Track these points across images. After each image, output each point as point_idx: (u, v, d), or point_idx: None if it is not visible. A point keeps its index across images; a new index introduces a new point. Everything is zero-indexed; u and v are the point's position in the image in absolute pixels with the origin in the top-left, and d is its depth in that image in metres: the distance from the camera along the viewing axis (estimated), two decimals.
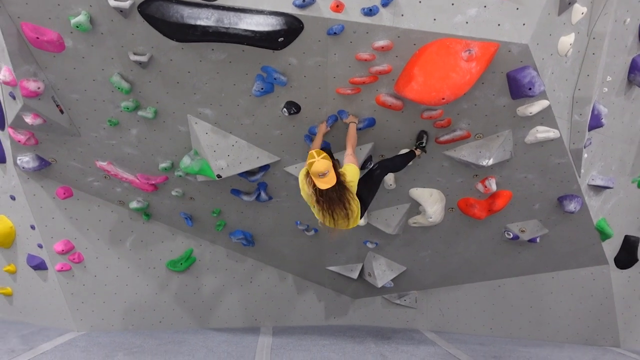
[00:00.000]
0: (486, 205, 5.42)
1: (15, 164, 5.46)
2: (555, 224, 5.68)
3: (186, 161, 5.01)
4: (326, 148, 4.83)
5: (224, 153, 4.95)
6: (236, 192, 5.57)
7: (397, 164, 4.81)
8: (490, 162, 4.80)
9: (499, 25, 3.92)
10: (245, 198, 5.56)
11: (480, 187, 5.24)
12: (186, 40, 4.07)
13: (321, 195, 3.99)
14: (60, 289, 6.05)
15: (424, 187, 5.42)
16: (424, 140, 4.81)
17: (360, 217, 4.39)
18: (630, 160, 5.77)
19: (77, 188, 5.78)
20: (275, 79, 4.37)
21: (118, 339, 5.84)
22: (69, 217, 5.86)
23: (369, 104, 4.58)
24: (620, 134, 5.49)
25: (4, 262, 6.34)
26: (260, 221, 5.98)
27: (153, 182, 5.52)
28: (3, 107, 5.04)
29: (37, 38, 4.14)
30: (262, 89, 4.46)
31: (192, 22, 3.88)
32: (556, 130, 4.65)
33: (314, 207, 4.17)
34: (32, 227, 5.88)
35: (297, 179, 4.57)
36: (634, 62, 5.12)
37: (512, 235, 5.75)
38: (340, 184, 3.98)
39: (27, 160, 5.35)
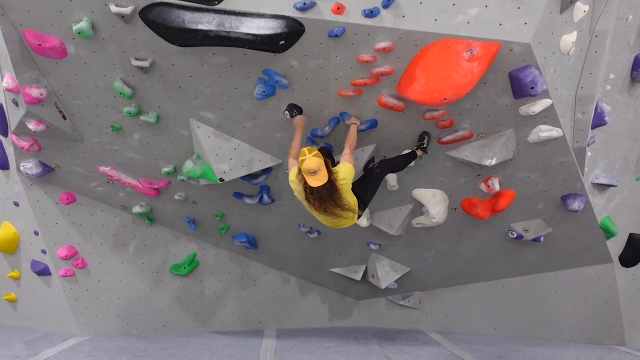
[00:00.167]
0: (490, 206, 5.41)
1: (18, 170, 5.47)
2: (559, 223, 5.67)
3: (189, 165, 5.01)
4: (325, 149, 4.83)
5: (227, 157, 4.96)
6: (239, 195, 5.57)
7: (399, 164, 4.81)
8: (494, 162, 4.79)
9: (500, 25, 3.91)
10: (248, 201, 5.56)
11: (483, 187, 5.23)
12: (188, 45, 4.07)
13: (311, 193, 3.98)
14: (65, 294, 6.05)
15: (427, 188, 5.41)
16: (426, 142, 4.81)
17: (359, 216, 4.40)
18: (634, 158, 5.76)
19: (80, 194, 5.79)
20: (277, 82, 4.37)
21: (122, 344, 5.84)
22: (73, 222, 5.87)
23: (371, 106, 4.57)
24: (624, 132, 5.48)
25: (8, 269, 6.35)
26: (264, 224, 5.98)
27: (156, 187, 5.52)
28: (6, 114, 5.05)
29: (40, 45, 4.15)
30: (264, 92, 4.46)
31: (194, 26, 3.88)
32: (559, 129, 4.63)
33: (305, 203, 4.16)
34: (36, 233, 5.89)
35: None
36: (637, 59, 5.11)
37: (516, 235, 5.74)
38: (332, 183, 3.96)
39: (30, 166, 5.36)
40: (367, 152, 4.98)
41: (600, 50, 4.58)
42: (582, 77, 4.67)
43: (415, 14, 3.92)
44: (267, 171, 5.22)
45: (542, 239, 5.80)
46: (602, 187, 5.51)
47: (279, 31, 3.93)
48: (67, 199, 5.75)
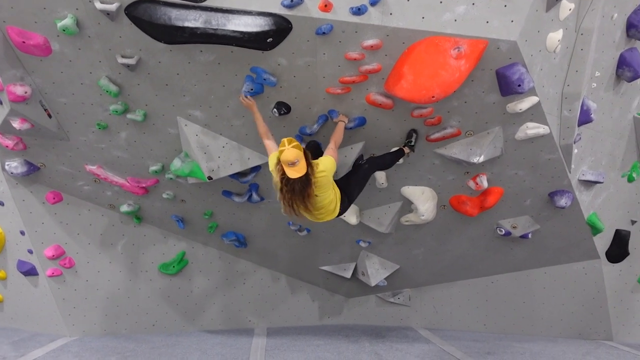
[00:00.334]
0: (478, 202, 5.44)
1: (3, 169, 5.41)
2: (546, 220, 5.71)
3: (177, 163, 4.98)
4: (314, 143, 4.81)
5: (215, 155, 4.93)
6: (228, 193, 5.55)
7: (386, 161, 4.82)
8: (481, 159, 4.81)
9: (487, 22, 3.93)
10: (237, 199, 5.54)
11: (471, 184, 5.25)
12: (174, 42, 4.04)
13: (286, 184, 3.97)
14: (52, 294, 6.00)
15: (416, 185, 5.42)
16: (413, 139, 4.82)
17: (343, 211, 4.43)
18: (620, 155, 5.81)
19: (66, 192, 5.73)
20: (264, 79, 4.36)
21: (111, 344, 5.80)
22: (59, 221, 5.82)
23: (359, 103, 4.57)
24: (609, 128, 5.53)
25: None
26: (253, 222, 5.96)
27: (143, 185, 5.49)
28: None
29: (23, 42, 4.10)
30: (252, 89, 4.44)
31: (180, 23, 3.86)
32: (546, 126, 4.67)
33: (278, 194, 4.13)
34: (22, 233, 5.83)
35: None
36: (622, 57, 5.15)
37: (504, 232, 5.78)
38: (307, 176, 3.94)
39: (15, 165, 5.30)
40: (356, 149, 4.98)
41: (586, 47, 4.62)
42: (568, 75, 4.71)
43: (402, 11, 3.92)
44: (255, 169, 5.20)
45: (529, 236, 5.84)
46: (588, 184, 5.55)
47: (266, 28, 3.91)
48: (53, 198, 5.70)
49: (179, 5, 3.85)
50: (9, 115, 4.66)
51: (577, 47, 4.63)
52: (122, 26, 4.01)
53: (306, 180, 3.94)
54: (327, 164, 4.12)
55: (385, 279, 6.44)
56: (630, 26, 5.03)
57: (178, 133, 4.91)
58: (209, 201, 5.71)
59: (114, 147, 5.12)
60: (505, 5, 3.91)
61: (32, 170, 5.38)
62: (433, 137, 4.85)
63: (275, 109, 4.60)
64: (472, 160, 4.83)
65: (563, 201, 5.34)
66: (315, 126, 4.76)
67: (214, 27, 3.88)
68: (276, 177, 4.03)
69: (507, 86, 4.25)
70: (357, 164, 4.71)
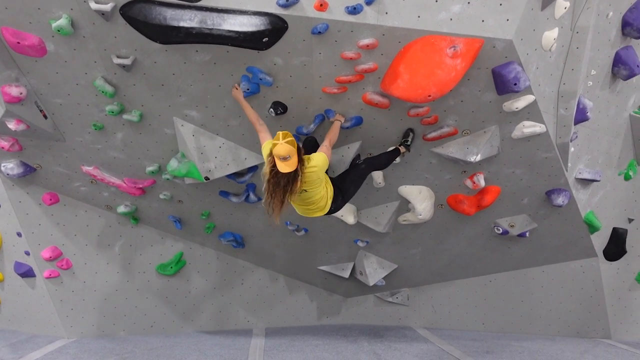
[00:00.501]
0: (475, 201, 5.44)
1: None
2: (543, 218, 5.72)
3: (173, 164, 4.97)
4: (312, 139, 4.79)
5: (212, 155, 4.93)
6: (225, 193, 5.54)
7: (382, 161, 4.83)
8: (478, 158, 4.81)
9: (483, 21, 3.93)
10: (234, 200, 5.53)
11: (468, 183, 5.25)
12: (170, 42, 4.03)
13: (274, 177, 3.96)
14: (49, 295, 5.98)
15: (413, 185, 5.42)
16: (409, 139, 4.82)
17: (337, 209, 4.45)
18: (616, 153, 5.82)
19: (63, 194, 5.72)
20: (260, 79, 4.35)
21: (109, 345, 5.79)
22: (56, 223, 5.80)
23: (355, 103, 4.57)
24: (606, 127, 5.53)
25: None
26: (250, 222, 5.96)
27: (140, 186, 5.48)
28: None
29: (18, 43, 4.09)
30: (248, 89, 4.44)
31: (175, 23, 3.85)
32: (542, 125, 4.67)
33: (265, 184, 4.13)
34: (19, 234, 5.81)
35: None
36: (617, 55, 5.16)
37: (501, 231, 5.78)
38: (295, 173, 3.94)
39: (11, 166, 5.29)
40: (353, 149, 4.97)
41: (582, 46, 4.62)
42: (564, 73, 4.71)
43: (398, 11, 3.92)
44: (252, 169, 5.19)
45: (527, 234, 5.84)
46: (585, 182, 5.56)
47: (262, 28, 3.91)
48: (50, 199, 5.68)
49: (174, 5, 3.85)
50: (4, 117, 4.64)
51: (573, 46, 4.63)
52: (117, 26, 4.00)
53: (293, 177, 3.94)
54: (318, 160, 4.12)
55: (384, 278, 6.44)
56: (625, 24, 5.04)
57: (174, 133, 4.90)
58: (206, 202, 5.70)
59: (110, 148, 5.11)
60: (500, 4, 3.91)
61: (29, 171, 5.37)
62: (430, 136, 4.85)
63: (271, 109, 4.60)
64: (469, 159, 4.84)
65: (560, 200, 5.34)
66: (312, 126, 4.76)
67: (210, 27, 3.87)
68: (266, 168, 4.03)
69: (503, 85, 4.25)
70: (354, 164, 4.72)
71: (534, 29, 4.18)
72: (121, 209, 5.77)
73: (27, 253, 5.87)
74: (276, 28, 3.94)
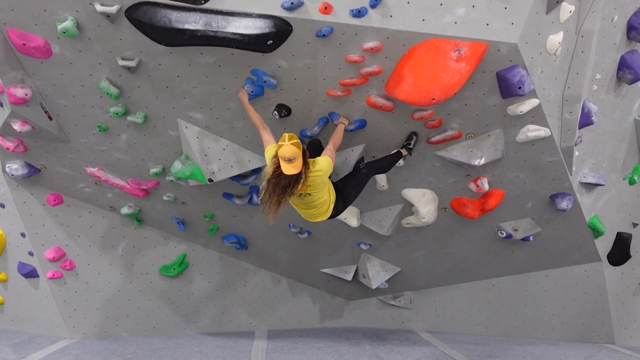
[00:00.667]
0: (479, 205, 5.43)
1: (4, 171, 5.41)
2: (547, 222, 5.70)
3: (177, 166, 4.98)
4: (316, 141, 4.79)
5: (215, 157, 4.93)
6: (228, 195, 5.54)
7: (384, 165, 4.83)
8: (482, 161, 4.80)
9: (487, 24, 3.93)
10: (238, 202, 5.54)
11: (472, 186, 5.24)
12: (174, 44, 4.04)
13: (276, 177, 3.95)
14: (52, 296, 5.99)
15: (417, 188, 5.41)
16: (412, 142, 4.81)
17: (338, 213, 4.45)
18: (621, 157, 5.80)
19: (67, 194, 5.73)
20: (265, 81, 4.36)
21: (111, 346, 5.79)
22: (60, 224, 5.82)
23: (359, 106, 4.57)
24: (610, 131, 5.52)
25: None
26: (253, 225, 5.96)
27: (144, 188, 5.49)
28: None
29: (24, 44, 4.11)
30: (252, 92, 4.44)
31: (180, 26, 3.86)
32: (547, 129, 4.66)
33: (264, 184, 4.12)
34: (23, 235, 5.83)
35: None
36: (622, 59, 5.14)
37: (505, 234, 5.76)
38: (298, 176, 3.93)
39: (16, 167, 5.31)
40: (357, 151, 4.97)
41: (586, 50, 4.61)
42: (569, 77, 4.70)
43: (402, 14, 3.92)
44: (256, 171, 5.20)
45: (531, 238, 5.82)
46: (589, 186, 5.54)
47: (267, 31, 3.91)
48: (54, 200, 5.70)
49: (179, 7, 3.85)
50: (9, 118, 4.66)
51: (578, 50, 4.62)
52: (122, 28, 4.02)
53: (295, 179, 3.94)
54: (323, 165, 4.12)
55: (386, 281, 6.43)
56: (630, 28, 5.03)
57: (178, 135, 4.91)
58: (210, 203, 5.71)
59: (114, 149, 5.12)
60: (505, 8, 3.90)
61: (33, 172, 5.39)
62: (434, 139, 4.84)
63: (275, 112, 4.60)
64: (472, 163, 4.83)
65: (564, 204, 5.32)
66: (315, 128, 4.76)
67: (214, 30, 3.88)
68: (269, 168, 4.02)
69: (508, 88, 4.25)
70: (357, 168, 4.71)
71: (538, 32, 4.17)
72: (125, 210, 5.78)
73: (31, 253, 5.89)
74: (281, 31, 3.94)
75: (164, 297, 6.31)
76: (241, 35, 3.90)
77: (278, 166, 3.95)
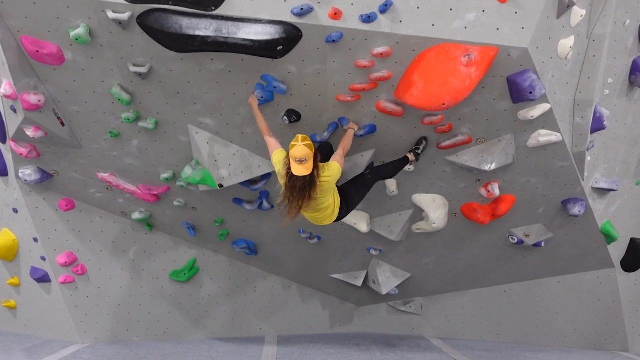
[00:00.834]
0: (490, 210, 5.39)
1: (17, 177, 5.47)
2: (559, 228, 5.65)
3: (188, 171, 5.01)
4: (327, 144, 4.80)
5: (226, 162, 4.95)
6: (238, 201, 5.56)
7: (389, 171, 4.83)
8: (493, 166, 4.78)
9: (498, 29, 3.91)
10: (248, 207, 5.55)
11: (483, 192, 5.21)
12: (185, 50, 4.08)
13: (290, 180, 4.00)
14: (64, 301, 6.04)
15: (427, 193, 5.39)
16: (422, 147, 4.79)
17: (341, 217, 4.47)
18: (633, 162, 5.74)
19: (79, 200, 5.78)
20: (275, 87, 4.37)
21: (122, 351, 5.81)
22: (72, 229, 5.86)
23: (369, 111, 4.57)
24: (623, 136, 5.46)
25: (7, 275, 6.34)
26: (263, 230, 5.97)
27: (155, 193, 5.52)
28: (4, 120, 5.06)
29: (37, 51, 4.16)
30: (262, 97, 4.46)
31: (191, 32, 3.89)
32: (558, 134, 4.62)
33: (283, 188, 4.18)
34: (35, 240, 5.88)
35: None
36: (634, 63, 5.10)
37: (516, 240, 5.72)
38: (312, 177, 3.97)
39: (29, 173, 5.36)
40: (366, 157, 4.97)
41: (598, 54, 4.58)
42: (580, 81, 4.66)
43: (412, 19, 3.92)
44: (266, 177, 5.21)
45: (542, 244, 5.77)
46: (602, 192, 5.49)
47: (277, 36, 3.93)
48: (66, 205, 5.75)
49: (190, 14, 3.89)
50: (23, 124, 4.72)
51: (589, 54, 4.59)
52: (134, 35, 4.06)
53: (310, 181, 3.97)
54: (333, 170, 4.14)
55: (397, 287, 6.40)
56: None
57: (189, 141, 4.94)
58: (220, 209, 5.72)
59: (125, 155, 5.17)
60: (515, 12, 3.89)
61: (45, 177, 5.44)
62: (444, 144, 4.83)
63: (285, 117, 4.62)
64: (483, 168, 4.80)
65: (576, 209, 5.27)
66: (325, 134, 4.76)
67: (225, 36, 3.91)
68: (282, 171, 4.09)
69: (519, 93, 4.22)
70: (361, 173, 4.70)
71: (549, 37, 4.15)
72: (136, 215, 5.82)
73: (43, 258, 5.94)
74: (291, 37, 3.96)
75: (175, 302, 6.33)
76: (251, 41, 3.92)
77: (289, 167, 3.98)
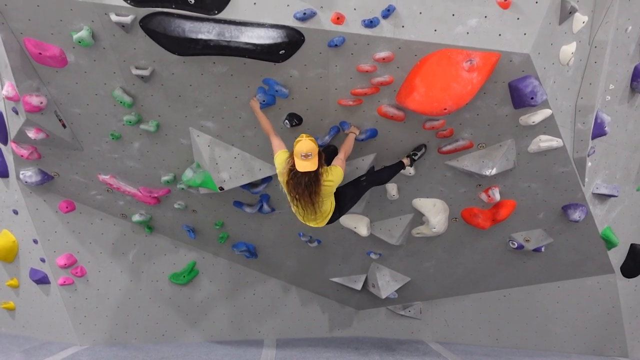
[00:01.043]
0: (490, 215, 5.39)
1: (18, 178, 5.47)
2: (560, 233, 5.65)
3: (188, 174, 5.01)
4: (332, 147, 4.80)
5: (226, 165, 4.95)
6: (239, 204, 5.56)
7: (384, 177, 4.84)
8: (494, 171, 4.78)
9: (500, 35, 3.92)
10: (248, 210, 5.55)
11: (483, 196, 5.21)
12: (188, 54, 4.08)
13: (293, 177, 4.00)
14: (63, 302, 6.03)
15: (427, 198, 5.39)
16: (419, 154, 4.80)
17: (332, 221, 4.46)
18: (634, 168, 5.74)
19: (79, 202, 5.78)
20: (276, 91, 4.38)
21: (121, 353, 5.80)
22: (72, 230, 5.86)
23: (370, 115, 4.57)
24: (624, 142, 5.47)
25: (6, 277, 6.33)
26: (263, 233, 5.96)
27: (155, 195, 5.52)
28: (6, 122, 5.06)
29: (40, 53, 4.17)
30: (264, 101, 4.46)
31: (194, 36, 3.90)
32: (559, 139, 4.63)
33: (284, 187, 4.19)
34: (35, 241, 5.88)
35: None
36: (636, 69, 5.10)
37: (516, 245, 5.72)
38: (317, 175, 3.99)
39: (29, 174, 5.36)
40: (367, 161, 4.97)
41: (600, 60, 4.58)
42: (582, 87, 4.67)
43: (414, 24, 3.92)
44: (266, 180, 5.21)
45: (542, 249, 5.77)
46: (602, 197, 5.49)
47: (279, 40, 3.94)
48: (66, 207, 5.74)
49: (192, 17, 3.89)
50: (24, 125, 4.72)
51: (591, 60, 4.60)
52: (136, 38, 4.06)
53: (315, 178, 3.98)
54: (335, 175, 4.16)
55: (396, 291, 6.39)
56: None
57: (190, 144, 4.94)
58: (220, 211, 5.72)
59: (126, 157, 5.16)
60: (517, 18, 3.90)
61: (46, 179, 5.44)
62: (445, 149, 4.83)
63: (287, 121, 4.62)
64: (484, 173, 4.80)
65: (577, 215, 5.28)
66: (327, 137, 4.77)
67: (227, 39, 3.91)
68: (284, 168, 4.09)
69: (520, 99, 4.23)
70: (357, 179, 4.68)
71: (551, 43, 4.16)
72: (136, 217, 5.82)
73: (43, 260, 5.93)
74: (293, 41, 3.96)
75: (174, 304, 6.32)
76: (254, 45, 3.92)
77: (293, 164, 4.00)
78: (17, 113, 4.77)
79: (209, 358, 5.67)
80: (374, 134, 4.73)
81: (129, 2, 3.84)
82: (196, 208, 5.72)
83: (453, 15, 3.89)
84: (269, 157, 4.96)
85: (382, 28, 3.93)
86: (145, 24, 3.93)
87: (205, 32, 3.89)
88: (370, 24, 3.91)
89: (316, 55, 4.11)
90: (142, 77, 4.32)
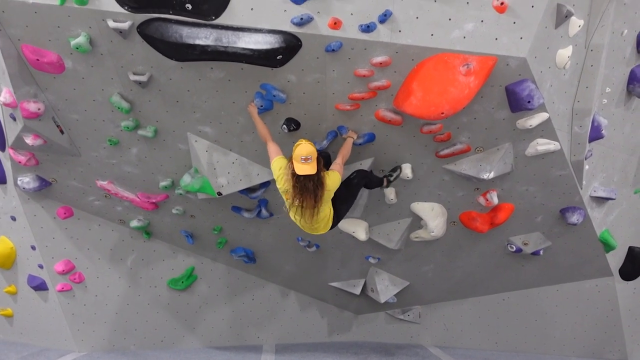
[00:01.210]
0: (488, 219, 5.40)
1: (15, 184, 5.46)
2: (558, 236, 5.65)
3: (186, 179, 5.01)
4: (325, 153, 4.81)
5: (224, 170, 4.95)
6: (237, 209, 5.55)
7: (374, 181, 4.85)
8: (491, 175, 4.79)
9: (496, 39, 3.94)
10: (246, 215, 5.55)
11: (481, 200, 5.22)
12: (185, 59, 4.09)
13: (297, 181, 4.01)
14: (61, 309, 6.01)
15: (425, 202, 5.39)
16: (395, 175, 4.87)
17: (332, 227, 4.47)
18: (632, 171, 5.76)
19: (77, 208, 5.77)
20: (274, 96, 4.38)
21: (120, 359, 5.78)
22: (70, 236, 5.84)
23: (368, 119, 4.58)
24: (621, 145, 5.48)
25: (4, 283, 6.30)
26: (262, 238, 5.96)
27: (153, 201, 5.51)
28: (4, 128, 5.05)
29: (37, 60, 4.17)
30: (262, 106, 4.47)
31: (191, 41, 3.90)
32: (556, 143, 4.64)
33: (286, 195, 4.19)
34: (33, 248, 5.86)
35: None
36: (632, 73, 5.12)
37: (515, 248, 5.72)
38: (319, 178, 4.02)
39: (27, 180, 5.35)
40: (365, 165, 4.97)
41: (596, 63, 4.60)
42: (578, 91, 4.69)
43: (411, 29, 3.94)
44: (264, 185, 5.21)
45: (541, 252, 5.77)
46: (600, 200, 5.50)
47: (276, 46, 3.95)
48: (64, 213, 5.73)
49: (190, 23, 3.90)
50: (22, 132, 4.72)
51: (587, 63, 4.62)
52: (134, 44, 4.07)
53: (318, 181, 4.01)
54: (333, 181, 4.19)
55: (395, 295, 6.39)
56: None
57: (188, 149, 4.94)
58: (218, 217, 5.72)
59: (124, 163, 5.16)
60: (514, 22, 3.92)
61: (44, 185, 5.43)
62: (442, 153, 4.84)
63: (284, 125, 4.62)
64: (482, 177, 4.81)
65: (575, 218, 5.28)
66: (324, 142, 4.77)
67: (225, 45, 3.92)
68: (286, 174, 4.09)
69: (517, 102, 4.24)
70: (347, 178, 4.65)
71: (547, 46, 4.18)
72: (134, 223, 5.80)
73: (41, 266, 5.91)
74: (290, 46, 3.97)
75: (172, 310, 6.31)
76: (251, 50, 3.93)
77: (294, 169, 4.01)
78: (14, 119, 4.77)
79: None
80: (371, 138, 4.74)
81: (126, 8, 3.85)
82: (194, 213, 5.71)
83: (450, 19, 3.91)
84: (267, 162, 4.95)
85: (379, 33, 3.94)
86: (142, 29, 3.94)
87: (203, 37, 3.90)
88: (367, 28, 3.93)
89: (313, 60, 4.12)
90: (139, 83, 4.33)
